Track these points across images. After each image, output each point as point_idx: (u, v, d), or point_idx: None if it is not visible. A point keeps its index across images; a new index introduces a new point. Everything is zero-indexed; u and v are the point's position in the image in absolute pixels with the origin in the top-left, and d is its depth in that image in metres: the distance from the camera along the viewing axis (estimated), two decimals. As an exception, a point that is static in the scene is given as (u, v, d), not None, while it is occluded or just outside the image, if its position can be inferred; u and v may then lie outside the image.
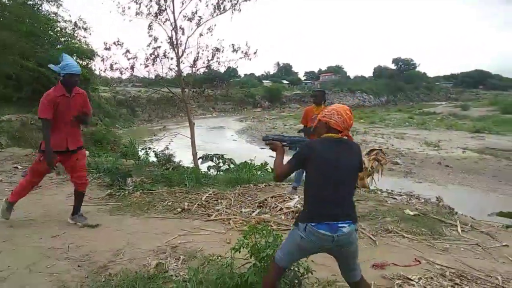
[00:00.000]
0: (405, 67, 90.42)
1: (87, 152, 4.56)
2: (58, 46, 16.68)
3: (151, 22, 8.06)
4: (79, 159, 4.23)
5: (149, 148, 7.84)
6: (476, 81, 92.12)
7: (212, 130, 29.09)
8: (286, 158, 2.45)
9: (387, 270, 3.28)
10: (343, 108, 2.33)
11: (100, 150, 11.12)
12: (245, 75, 75.05)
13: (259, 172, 7.78)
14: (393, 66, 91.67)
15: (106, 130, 18.03)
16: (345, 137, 2.33)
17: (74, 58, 17.46)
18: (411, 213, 4.91)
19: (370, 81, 75.23)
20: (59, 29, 17.41)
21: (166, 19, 8.15)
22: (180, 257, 3.40)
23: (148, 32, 8.09)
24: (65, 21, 17.46)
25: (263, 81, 72.12)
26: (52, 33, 16.93)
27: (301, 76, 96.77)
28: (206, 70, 9.09)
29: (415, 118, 30.93)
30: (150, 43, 8.14)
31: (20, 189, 4.23)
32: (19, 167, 7.01)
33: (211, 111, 44.78)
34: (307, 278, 2.72)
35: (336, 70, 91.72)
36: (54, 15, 16.81)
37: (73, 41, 17.86)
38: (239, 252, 2.63)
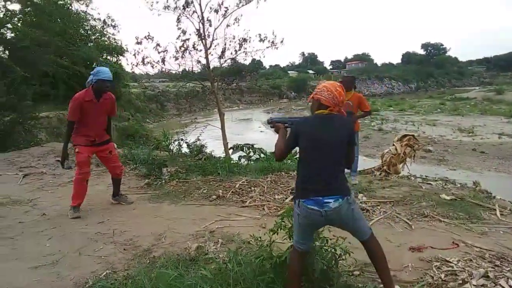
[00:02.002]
0: (434, 52, 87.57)
1: (114, 144, 4.85)
2: (90, 44, 17.26)
3: (180, 15, 8.20)
4: (111, 151, 4.58)
5: (182, 140, 8.03)
6: (510, 64, 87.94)
7: (239, 122, 29.23)
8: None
9: (424, 253, 3.26)
10: (333, 84, 2.40)
11: (133, 144, 11.47)
12: (270, 66, 74.94)
13: (289, 160, 7.81)
14: (422, 52, 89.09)
15: (138, 125, 18.55)
16: (335, 113, 2.35)
17: (105, 55, 18.06)
18: (447, 197, 4.83)
19: (398, 68, 73.34)
20: (89, 27, 18.02)
21: (194, 11, 8.27)
22: (218, 241, 3.52)
23: (177, 25, 8.25)
24: (94, 19, 18.11)
25: (289, 71, 71.71)
26: (83, 31, 17.55)
27: (327, 65, 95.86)
28: (232, 63, 9.14)
29: (447, 104, 29.90)
30: (179, 36, 8.29)
31: (75, 190, 4.38)
32: (61, 160, 7.34)
33: (237, 103, 44.97)
34: (344, 260, 2.77)
35: (363, 58, 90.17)
36: (83, 13, 17.41)
37: (103, 38, 18.45)
38: (277, 234, 2.71)
